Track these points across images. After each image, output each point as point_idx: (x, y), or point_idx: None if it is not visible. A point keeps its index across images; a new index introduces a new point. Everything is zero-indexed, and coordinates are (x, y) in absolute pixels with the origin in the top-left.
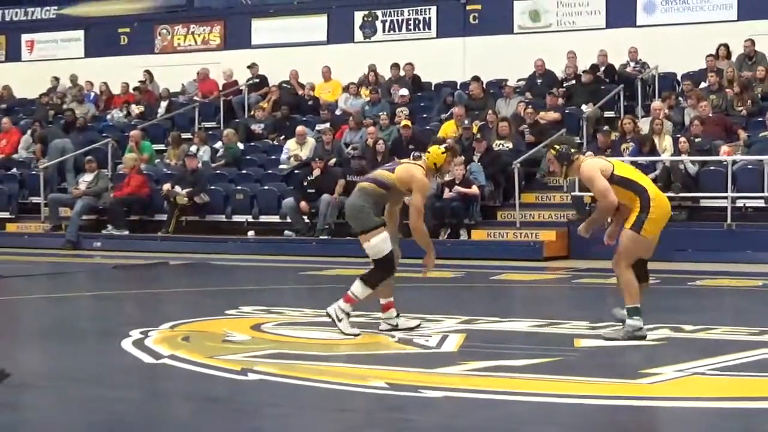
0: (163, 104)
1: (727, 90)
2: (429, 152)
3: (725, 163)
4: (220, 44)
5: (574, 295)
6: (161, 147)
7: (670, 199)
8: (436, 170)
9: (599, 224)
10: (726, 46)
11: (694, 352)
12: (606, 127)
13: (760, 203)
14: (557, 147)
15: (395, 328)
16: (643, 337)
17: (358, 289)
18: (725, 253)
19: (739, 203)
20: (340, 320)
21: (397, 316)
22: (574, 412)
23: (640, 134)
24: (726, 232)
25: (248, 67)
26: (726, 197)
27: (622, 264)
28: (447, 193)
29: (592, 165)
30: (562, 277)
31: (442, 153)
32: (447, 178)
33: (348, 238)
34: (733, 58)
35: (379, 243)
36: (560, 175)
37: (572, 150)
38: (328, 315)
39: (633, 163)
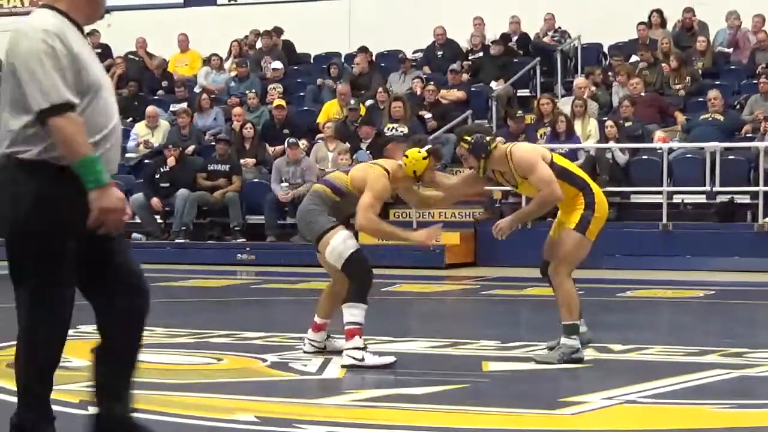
0: None
1: (663, 65)
2: (406, 156)
3: (660, 151)
4: None
5: (482, 309)
6: None
7: None
8: (416, 179)
9: (530, 218)
10: (660, 12)
11: (624, 376)
12: (520, 112)
13: (701, 199)
14: (468, 138)
15: (323, 350)
16: (581, 360)
17: (351, 315)
18: (660, 259)
19: (677, 199)
20: (362, 360)
21: (328, 338)
22: None
23: (553, 116)
24: (661, 233)
25: (87, 34)
26: (661, 192)
27: (563, 272)
28: None
29: (531, 148)
30: (467, 288)
31: (423, 158)
32: (329, 169)
33: (209, 241)
34: (669, 27)
35: (339, 244)
36: (478, 170)
37: (487, 138)
38: (346, 367)
39: (551, 151)
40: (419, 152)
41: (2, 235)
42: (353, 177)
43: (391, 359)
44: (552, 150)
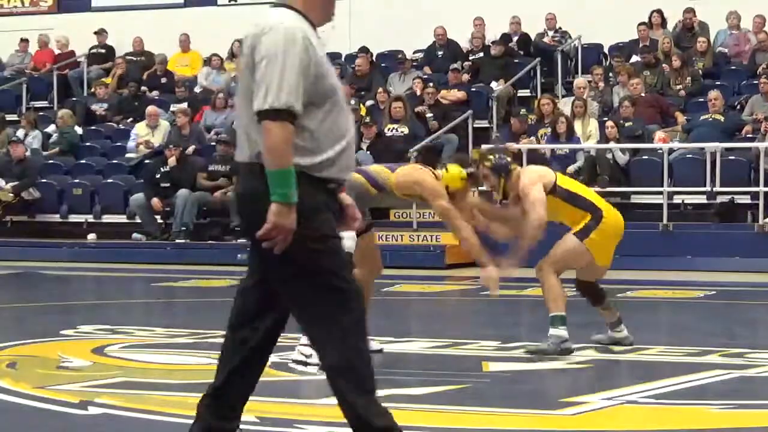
0: None
1: (664, 66)
2: (446, 170)
3: (660, 151)
4: (53, 6)
5: (482, 310)
6: None
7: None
8: (450, 195)
9: (531, 246)
10: (660, 12)
11: (624, 376)
12: (523, 111)
13: (702, 200)
14: (491, 157)
15: None
16: (570, 351)
17: None
18: (661, 259)
19: (677, 200)
20: (310, 356)
21: None
22: None
23: (553, 116)
24: (662, 234)
25: (95, 33)
26: (661, 192)
27: (547, 267)
28: None
29: (535, 171)
30: (468, 289)
31: (462, 179)
32: None
33: (210, 242)
34: (669, 26)
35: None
36: (497, 191)
37: (509, 159)
38: (296, 362)
39: (552, 152)
40: (461, 172)
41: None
42: (399, 182)
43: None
44: (553, 150)
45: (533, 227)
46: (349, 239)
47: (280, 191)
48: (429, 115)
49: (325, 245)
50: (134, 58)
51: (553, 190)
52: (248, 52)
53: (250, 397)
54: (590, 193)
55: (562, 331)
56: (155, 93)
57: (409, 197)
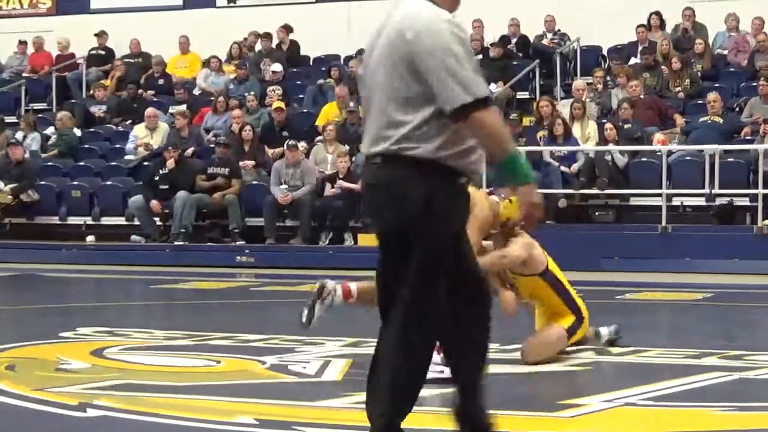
0: None
1: (663, 68)
2: (509, 201)
3: (659, 153)
4: (52, 8)
5: None
6: None
7: (595, 196)
8: (501, 225)
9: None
10: (659, 14)
11: (623, 378)
12: (514, 115)
13: (700, 202)
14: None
15: None
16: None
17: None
18: (659, 261)
19: (676, 202)
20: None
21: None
22: None
23: (551, 118)
24: (660, 236)
25: (96, 35)
26: (660, 194)
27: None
28: (329, 190)
29: (527, 241)
30: None
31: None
32: (328, 171)
33: (209, 243)
34: (668, 29)
35: None
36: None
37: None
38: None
39: (551, 153)
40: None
41: (385, 233)
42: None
43: None
44: (552, 152)
45: (503, 258)
46: None
47: (521, 174)
48: None
49: (427, 245)
50: (132, 60)
51: (543, 274)
52: (399, 46)
53: (250, 399)
54: (571, 290)
55: None
56: (150, 92)
57: None
